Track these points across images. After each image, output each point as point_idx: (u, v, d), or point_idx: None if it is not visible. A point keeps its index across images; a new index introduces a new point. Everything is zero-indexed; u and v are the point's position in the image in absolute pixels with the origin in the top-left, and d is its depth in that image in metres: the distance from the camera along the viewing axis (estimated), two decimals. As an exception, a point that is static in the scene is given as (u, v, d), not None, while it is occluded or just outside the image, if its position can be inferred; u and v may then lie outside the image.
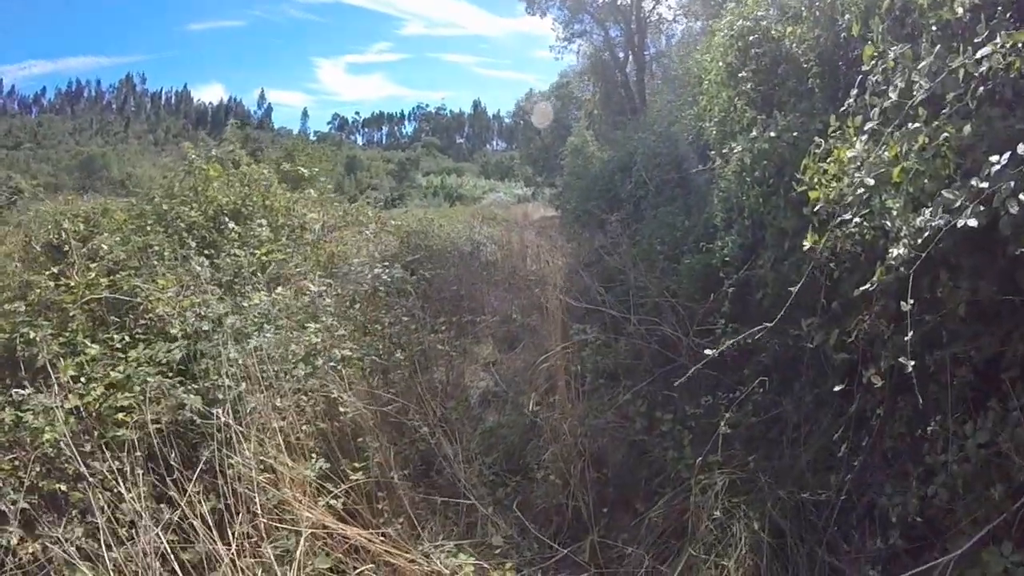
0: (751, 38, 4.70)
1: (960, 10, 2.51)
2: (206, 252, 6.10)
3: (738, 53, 5.17)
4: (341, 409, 3.88)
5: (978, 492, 2.39)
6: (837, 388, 3.23)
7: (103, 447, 3.03)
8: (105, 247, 5.48)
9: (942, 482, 2.50)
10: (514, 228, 17.42)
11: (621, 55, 23.11)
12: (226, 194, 6.87)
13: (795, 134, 3.86)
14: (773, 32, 4.69)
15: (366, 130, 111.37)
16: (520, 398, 5.31)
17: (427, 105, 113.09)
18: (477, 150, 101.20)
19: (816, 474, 3.49)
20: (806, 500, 3.32)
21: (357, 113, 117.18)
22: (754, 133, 3.95)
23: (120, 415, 3.30)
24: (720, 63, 5.41)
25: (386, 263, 7.94)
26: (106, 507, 2.61)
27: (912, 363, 2.26)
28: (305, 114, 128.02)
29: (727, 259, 5.24)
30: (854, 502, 3.17)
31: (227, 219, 6.56)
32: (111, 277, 5.02)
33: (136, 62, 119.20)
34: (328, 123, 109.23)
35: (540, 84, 34.95)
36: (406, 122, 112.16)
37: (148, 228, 6.06)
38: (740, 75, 4.82)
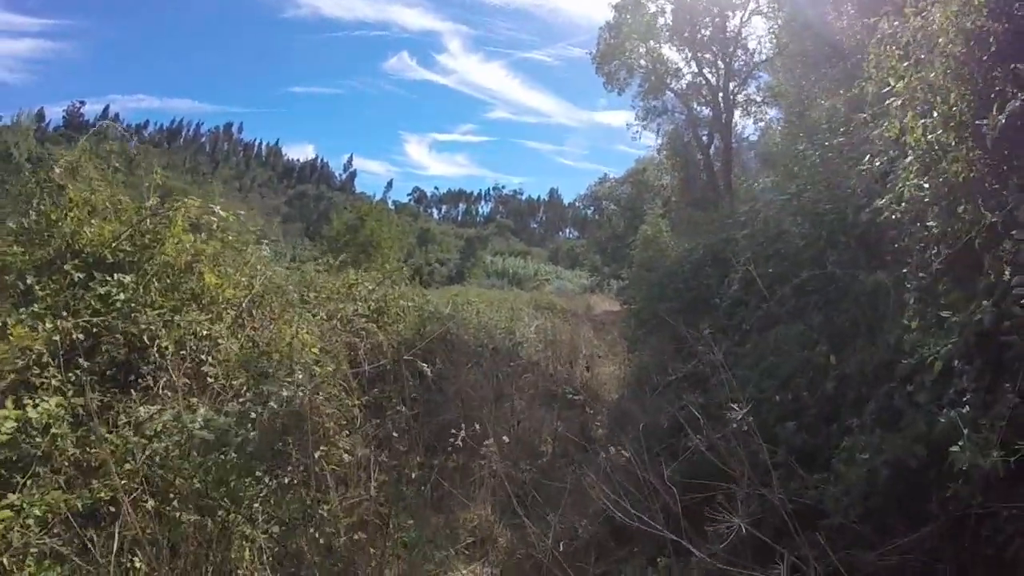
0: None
1: None
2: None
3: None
4: None
5: None
6: None
7: None
8: None
9: None
10: (571, 320, 14.81)
11: (705, 137, 20.60)
12: (83, 229, 4.37)
13: None
14: None
15: (444, 206, 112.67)
16: None
17: (504, 187, 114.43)
18: (549, 236, 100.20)
19: None
20: None
21: (436, 188, 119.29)
22: None
23: None
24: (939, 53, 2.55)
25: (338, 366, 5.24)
26: None
27: None
28: (389, 185, 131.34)
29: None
30: None
31: (70, 267, 4.08)
32: None
33: (236, 113, 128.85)
34: (408, 195, 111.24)
35: (616, 174, 33.01)
36: (483, 202, 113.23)
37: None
38: None
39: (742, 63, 19.81)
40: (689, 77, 20.51)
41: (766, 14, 18.54)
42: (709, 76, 19.99)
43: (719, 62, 19.70)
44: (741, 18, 19.27)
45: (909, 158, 3.06)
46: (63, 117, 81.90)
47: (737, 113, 20.35)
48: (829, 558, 2.54)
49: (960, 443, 2.20)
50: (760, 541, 2.81)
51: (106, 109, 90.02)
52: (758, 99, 20.18)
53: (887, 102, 3.29)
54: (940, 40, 2.83)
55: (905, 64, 3.12)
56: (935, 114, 2.86)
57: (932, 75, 2.85)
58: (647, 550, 3.78)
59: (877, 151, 3.77)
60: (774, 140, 16.48)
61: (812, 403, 3.49)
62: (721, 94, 19.79)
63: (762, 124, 20.34)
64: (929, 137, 2.85)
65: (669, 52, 20.53)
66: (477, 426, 5.82)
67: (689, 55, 20.02)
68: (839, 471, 2.83)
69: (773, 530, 3.02)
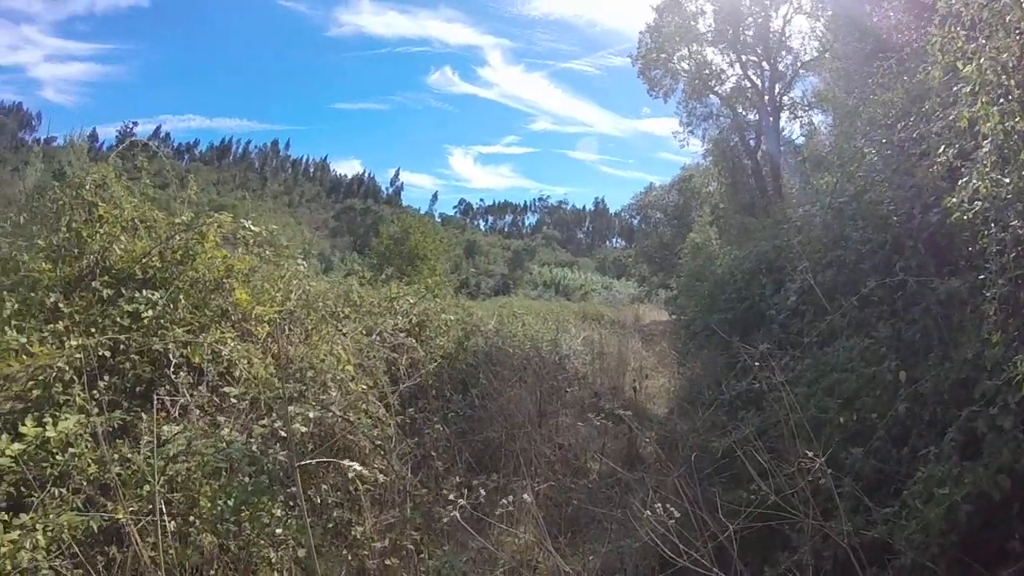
0: None
1: None
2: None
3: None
4: None
5: None
6: None
7: None
8: None
9: None
10: (619, 332, 14.49)
11: (751, 141, 19.98)
12: (113, 246, 4.37)
13: None
14: None
15: (490, 218, 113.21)
16: None
17: (549, 197, 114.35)
18: (596, 246, 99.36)
19: None
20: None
21: (482, 200, 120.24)
22: None
23: None
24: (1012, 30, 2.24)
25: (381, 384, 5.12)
26: None
27: None
28: (435, 197, 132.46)
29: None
30: None
31: (99, 284, 4.09)
32: None
33: (283, 130, 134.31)
34: (454, 207, 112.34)
35: (662, 182, 32.59)
36: (529, 212, 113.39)
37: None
38: None
39: (787, 64, 19.20)
40: (733, 80, 20.04)
41: (809, 13, 17.95)
42: (754, 78, 19.42)
43: (763, 64, 19.10)
44: (784, 18, 18.67)
45: (985, 149, 2.72)
46: (115, 137, 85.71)
47: (784, 116, 19.72)
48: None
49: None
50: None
51: (157, 129, 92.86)
52: (804, 103, 19.52)
53: (954, 88, 2.97)
54: (1008, 17, 2.52)
55: (973, 45, 2.80)
56: (1011, 98, 2.53)
57: (1004, 55, 2.53)
58: (697, 584, 3.50)
59: (945, 143, 3.41)
60: (823, 142, 15.86)
61: (880, 425, 3.14)
62: (767, 96, 19.18)
63: (809, 127, 19.64)
64: (1006, 124, 2.52)
65: (712, 55, 20.11)
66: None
67: (733, 57, 19.52)
68: (913, 506, 2.50)
69: (835, 566, 2.72)
